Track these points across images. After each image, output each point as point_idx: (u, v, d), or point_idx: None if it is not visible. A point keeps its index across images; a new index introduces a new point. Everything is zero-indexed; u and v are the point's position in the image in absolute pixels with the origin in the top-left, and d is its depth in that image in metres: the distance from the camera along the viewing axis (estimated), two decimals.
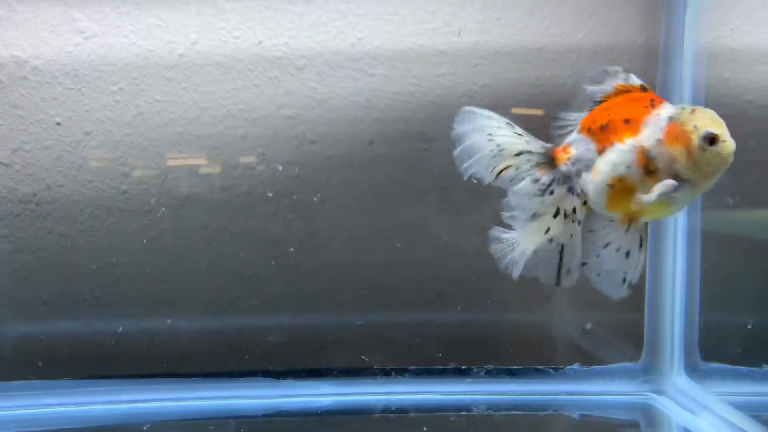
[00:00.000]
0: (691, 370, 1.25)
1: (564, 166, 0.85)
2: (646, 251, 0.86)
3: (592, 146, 0.83)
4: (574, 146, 0.84)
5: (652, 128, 0.80)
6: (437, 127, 1.29)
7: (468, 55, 1.29)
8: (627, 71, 0.83)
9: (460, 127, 0.90)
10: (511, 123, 0.87)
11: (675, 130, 0.78)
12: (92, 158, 1.24)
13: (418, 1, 1.28)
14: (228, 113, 1.26)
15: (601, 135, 0.83)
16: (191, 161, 1.26)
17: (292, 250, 1.28)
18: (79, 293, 1.24)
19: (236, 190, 1.26)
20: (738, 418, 1.12)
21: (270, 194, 1.27)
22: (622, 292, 0.86)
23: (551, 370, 1.29)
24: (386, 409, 1.24)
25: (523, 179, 0.85)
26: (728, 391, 1.20)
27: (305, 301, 1.29)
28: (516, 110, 1.31)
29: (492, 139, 0.86)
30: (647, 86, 0.83)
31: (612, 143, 0.81)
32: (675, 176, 0.80)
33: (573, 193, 0.85)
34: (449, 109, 1.30)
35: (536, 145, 0.85)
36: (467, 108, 0.89)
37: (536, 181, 0.85)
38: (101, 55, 1.22)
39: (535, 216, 0.85)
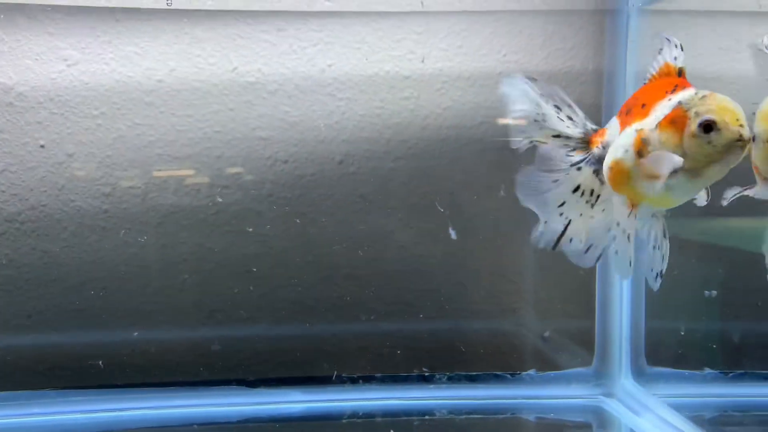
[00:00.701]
0: (638, 374, 1.29)
1: (597, 149, 0.82)
2: (666, 240, 0.83)
3: (617, 130, 0.81)
4: (608, 130, 0.82)
5: (658, 113, 0.75)
6: (403, 146, 1.32)
7: (431, 80, 1.32)
8: (680, 46, 0.79)
9: (508, 90, 0.86)
10: (560, 105, 0.84)
11: (675, 115, 0.73)
12: (74, 179, 1.25)
13: (385, 30, 1.31)
14: (204, 135, 1.27)
15: (625, 118, 0.80)
16: (170, 182, 1.28)
17: (264, 266, 1.29)
18: (62, 307, 1.26)
19: (212, 209, 1.28)
20: (676, 419, 1.17)
21: (244, 212, 1.29)
22: (628, 274, 0.84)
23: (509, 376, 1.32)
24: (354, 415, 1.26)
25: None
26: (671, 393, 1.24)
27: (277, 313, 1.31)
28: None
29: (537, 118, 0.83)
30: (684, 70, 0.78)
31: (626, 127, 0.79)
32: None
33: (597, 176, 0.82)
34: (414, 130, 1.35)
35: (576, 131, 0.83)
36: (519, 79, 0.87)
37: (568, 154, 0.83)
38: (83, 81, 1.24)
39: (555, 183, 0.83)
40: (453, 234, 1.34)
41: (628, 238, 0.81)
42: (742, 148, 0.73)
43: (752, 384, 1.23)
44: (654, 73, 0.80)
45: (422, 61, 1.31)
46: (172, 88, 1.26)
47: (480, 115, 1.33)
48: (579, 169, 0.83)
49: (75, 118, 1.24)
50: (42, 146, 1.24)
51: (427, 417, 1.26)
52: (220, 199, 1.28)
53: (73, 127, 1.24)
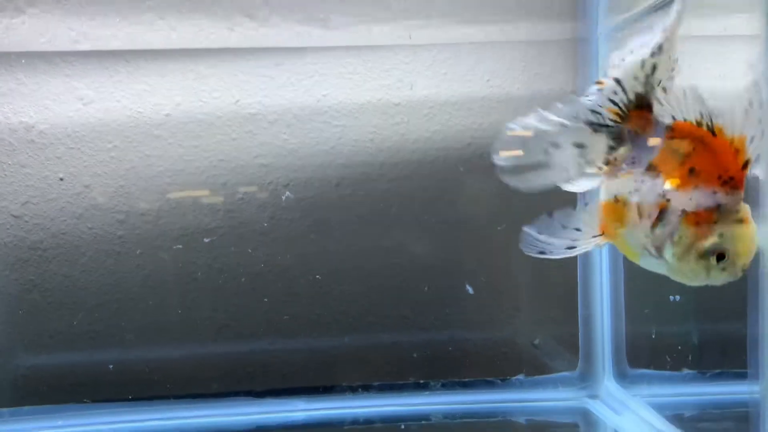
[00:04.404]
0: (620, 376, 1.33)
1: (628, 138, 0.75)
2: None
3: (651, 154, 0.74)
4: (648, 137, 0.74)
5: (697, 199, 0.71)
6: (395, 169, 1.37)
7: (420, 106, 1.37)
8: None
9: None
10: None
11: (705, 218, 0.69)
12: (91, 208, 1.30)
13: (375, 61, 1.35)
14: (210, 164, 1.32)
15: (665, 156, 0.73)
16: (179, 207, 1.32)
17: (268, 284, 1.34)
18: (82, 327, 1.30)
19: (219, 231, 1.33)
20: (656, 418, 1.21)
21: (248, 234, 1.33)
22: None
23: (499, 381, 1.36)
24: (354, 422, 1.30)
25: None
26: (652, 393, 1.27)
27: (281, 328, 1.35)
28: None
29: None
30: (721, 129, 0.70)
31: (661, 173, 0.73)
32: (659, 247, 0.72)
33: (609, 152, 0.75)
34: (405, 153, 1.39)
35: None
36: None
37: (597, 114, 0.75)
38: (98, 118, 1.29)
39: (566, 128, 0.77)
40: (470, 289, 1.38)
41: (570, 248, 0.80)
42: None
43: (729, 383, 1.25)
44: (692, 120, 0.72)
45: (411, 89, 1.37)
46: (179, 121, 1.31)
47: (467, 137, 1.38)
48: (596, 131, 0.76)
49: (91, 152, 1.30)
50: (61, 179, 1.29)
51: (423, 422, 1.29)
52: (225, 223, 1.33)
53: (89, 161, 1.30)
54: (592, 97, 0.79)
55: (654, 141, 0.76)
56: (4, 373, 1.29)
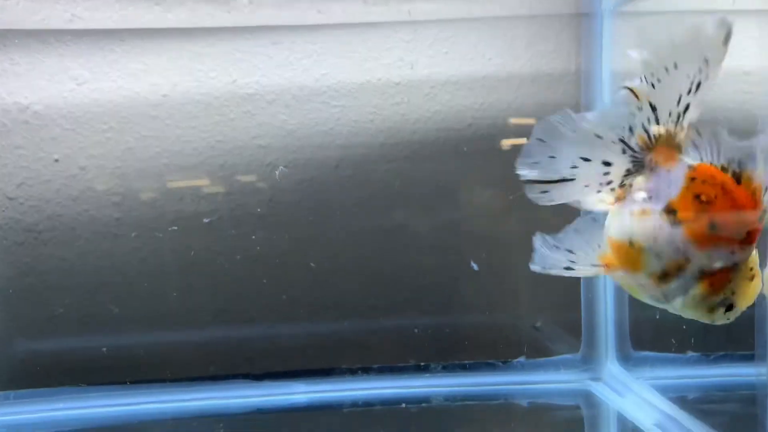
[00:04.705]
0: (624, 358, 1.33)
1: (648, 166, 0.71)
2: None
3: (670, 192, 0.71)
4: (669, 171, 0.71)
5: (716, 259, 0.69)
6: (395, 150, 1.35)
7: (420, 85, 1.35)
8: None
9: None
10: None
11: (719, 279, 0.70)
12: (87, 190, 1.29)
13: (375, 40, 1.34)
14: (207, 145, 1.31)
15: (692, 203, 0.70)
16: (176, 189, 1.31)
17: (268, 265, 1.33)
18: (79, 310, 1.30)
19: (217, 214, 1.32)
20: (660, 400, 1.21)
21: (246, 216, 1.32)
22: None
23: (500, 363, 1.36)
24: (354, 404, 1.30)
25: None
26: (656, 376, 1.27)
27: (280, 311, 1.34)
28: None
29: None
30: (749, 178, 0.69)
31: (681, 221, 0.70)
32: (668, 296, 0.72)
33: (626, 175, 0.72)
34: (406, 133, 1.38)
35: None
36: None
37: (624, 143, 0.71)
38: (93, 98, 1.28)
39: (600, 142, 0.72)
40: (475, 266, 1.37)
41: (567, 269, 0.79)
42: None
43: (733, 365, 1.25)
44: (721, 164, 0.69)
45: (411, 68, 1.35)
46: (176, 102, 1.30)
47: (468, 117, 1.37)
48: (624, 151, 0.73)
49: (86, 133, 1.29)
50: (56, 160, 1.28)
51: (423, 404, 1.29)
52: (223, 205, 1.32)
53: (84, 142, 1.29)
54: (622, 108, 0.75)
55: (675, 178, 0.73)
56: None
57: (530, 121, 1.39)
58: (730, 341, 1.29)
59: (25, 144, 1.28)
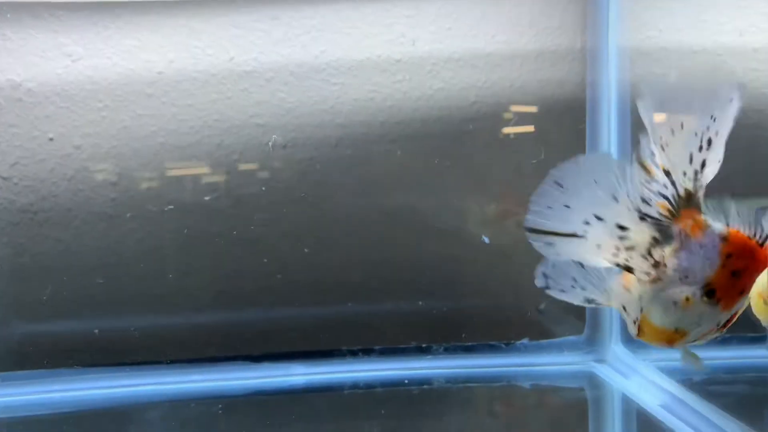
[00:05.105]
0: (628, 340, 1.31)
1: (677, 237, 0.69)
2: None
3: (706, 269, 0.69)
4: (700, 243, 0.68)
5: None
6: (397, 128, 1.34)
7: (422, 62, 1.33)
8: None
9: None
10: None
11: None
12: (82, 169, 1.27)
13: (375, 15, 1.32)
14: (204, 124, 1.29)
15: (724, 280, 0.68)
16: (173, 169, 1.30)
17: (267, 245, 1.31)
18: (75, 292, 1.28)
19: (214, 194, 1.31)
20: (666, 382, 1.19)
21: (245, 197, 1.31)
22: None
23: (503, 345, 1.35)
24: (354, 386, 1.28)
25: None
26: (661, 358, 1.24)
27: (279, 292, 1.33)
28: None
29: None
30: None
31: (720, 301, 0.69)
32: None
33: (654, 244, 0.69)
34: (407, 112, 1.36)
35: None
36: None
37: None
38: (87, 75, 1.26)
39: (616, 204, 0.69)
40: (486, 239, 1.36)
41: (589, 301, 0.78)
42: None
43: (741, 347, 1.24)
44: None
45: (413, 45, 1.33)
46: (172, 79, 1.28)
47: (471, 95, 1.35)
48: (642, 219, 0.70)
49: (81, 111, 1.27)
50: (51, 139, 1.27)
51: (425, 386, 1.29)
52: (221, 185, 1.31)
53: (79, 120, 1.27)
54: (637, 184, 0.71)
55: (710, 254, 0.70)
56: None
57: (532, 109, 1.38)
58: (738, 324, 1.29)
59: (18, 122, 1.26)
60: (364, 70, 1.32)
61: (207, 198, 1.31)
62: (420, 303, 1.37)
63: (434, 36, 1.34)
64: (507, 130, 1.38)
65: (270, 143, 1.31)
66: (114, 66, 1.27)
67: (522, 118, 1.38)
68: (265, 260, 1.33)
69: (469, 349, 1.35)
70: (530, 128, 1.39)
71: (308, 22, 1.31)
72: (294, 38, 1.31)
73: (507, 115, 1.38)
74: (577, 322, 1.37)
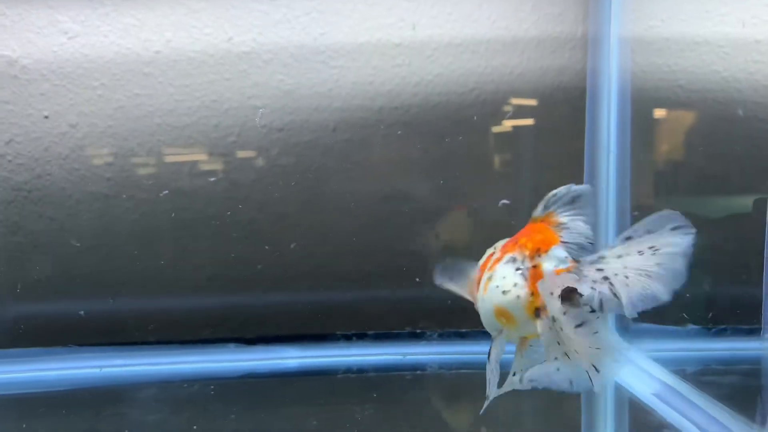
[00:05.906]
0: (623, 330, 1.31)
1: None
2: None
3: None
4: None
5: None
6: (395, 113, 1.33)
7: (422, 47, 1.32)
8: None
9: None
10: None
11: None
12: (78, 148, 1.27)
13: None
14: (201, 104, 1.29)
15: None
16: (169, 150, 1.29)
17: (261, 231, 1.31)
18: (69, 271, 1.28)
19: (210, 176, 1.30)
20: (660, 372, 1.20)
21: (241, 179, 1.30)
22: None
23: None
24: (348, 370, 1.29)
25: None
26: (656, 348, 1.26)
27: (274, 275, 1.33)
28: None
29: None
30: None
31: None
32: None
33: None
34: (406, 97, 1.36)
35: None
36: None
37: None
38: (84, 53, 1.25)
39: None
40: (506, 201, 1.36)
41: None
42: None
43: (734, 339, 1.24)
44: None
45: (413, 29, 1.32)
46: (170, 59, 1.27)
47: (471, 81, 1.34)
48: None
49: (77, 89, 1.26)
50: (46, 117, 1.26)
51: (418, 372, 1.29)
52: (217, 167, 1.30)
53: (75, 98, 1.26)
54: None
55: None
56: None
57: (532, 101, 1.36)
58: (731, 315, 1.28)
59: (13, 99, 1.25)
60: (364, 53, 1.32)
61: (202, 181, 1.30)
62: (414, 290, 1.36)
63: (434, 21, 1.33)
64: (507, 122, 1.36)
65: (257, 118, 1.29)
66: (111, 44, 1.26)
67: (521, 106, 1.37)
68: (260, 243, 1.32)
69: (462, 336, 1.34)
70: (529, 121, 1.38)
71: (308, 4, 1.30)
72: (293, 19, 1.30)
73: (506, 107, 1.36)
74: None
